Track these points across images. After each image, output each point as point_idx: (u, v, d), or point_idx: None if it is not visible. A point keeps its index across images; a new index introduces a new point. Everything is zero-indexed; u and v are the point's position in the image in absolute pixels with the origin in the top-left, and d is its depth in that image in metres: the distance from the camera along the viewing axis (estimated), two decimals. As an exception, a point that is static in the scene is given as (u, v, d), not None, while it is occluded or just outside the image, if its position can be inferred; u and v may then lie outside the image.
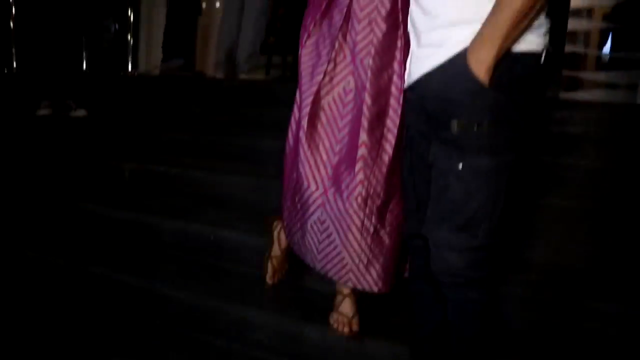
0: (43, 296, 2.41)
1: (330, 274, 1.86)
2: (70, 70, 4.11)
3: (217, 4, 5.08)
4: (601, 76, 4.50)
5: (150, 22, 5.47)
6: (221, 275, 2.32)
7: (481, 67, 1.29)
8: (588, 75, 4.53)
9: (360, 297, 1.92)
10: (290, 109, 2.00)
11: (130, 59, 5.23)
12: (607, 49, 4.58)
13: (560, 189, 2.38)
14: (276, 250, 2.19)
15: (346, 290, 1.90)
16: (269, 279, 2.20)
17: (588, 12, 4.55)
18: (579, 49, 4.53)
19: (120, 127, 3.56)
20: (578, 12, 4.34)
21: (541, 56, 1.36)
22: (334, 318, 1.87)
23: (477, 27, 1.30)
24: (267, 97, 3.42)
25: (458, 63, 1.33)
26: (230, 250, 2.42)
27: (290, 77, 4.32)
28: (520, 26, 1.28)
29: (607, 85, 4.39)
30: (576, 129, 2.73)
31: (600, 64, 4.63)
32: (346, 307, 1.88)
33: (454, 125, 1.35)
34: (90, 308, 2.31)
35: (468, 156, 1.36)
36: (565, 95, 4.05)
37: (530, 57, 1.34)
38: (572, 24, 4.20)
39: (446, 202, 1.40)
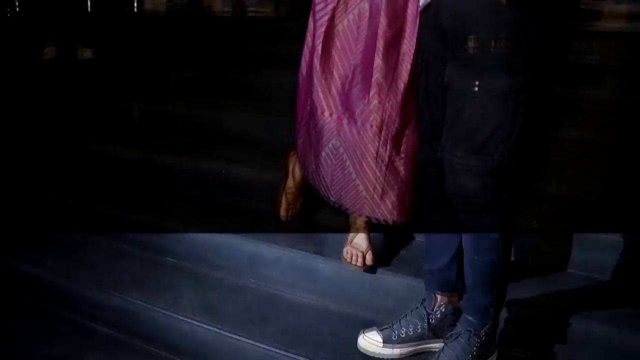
0: (55, 236, 2.42)
1: (345, 204, 1.82)
2: (74, 11, 4.00)
3: None
4: (621, 7, 4.30)
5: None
6: (233, 212, 2.30)
7: None
8: (608, 6, 4.34)
9: (373, 231, 1.89)
10: (300, 45, 1.92)
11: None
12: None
13: (575, 121, 2.31)
14: (290, 185, 2.16)
15: (360, 224, 1.87)
16: (282, 214, 2.18)
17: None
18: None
19: (128, 67, 3.49)
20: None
21: None
22: (347, 251, 1.85)
23: None
24: (276, 33, 3.31)
25: None
26: (241, 187, 2.40)
27: (299, 14, 4.19)
28: None
29: (627, 16, 4.20)
30: (593, 59, 2.63)
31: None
32: (360, 240, 1.86)
33: (470, 42, 1.30)
34: (101, 247, 2.32)
35: (484, 77, 1.31)
36: (583, 26, 3.89)
37: None
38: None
39: (462, 125, 1.36)
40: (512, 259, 1.84)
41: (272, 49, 3.13)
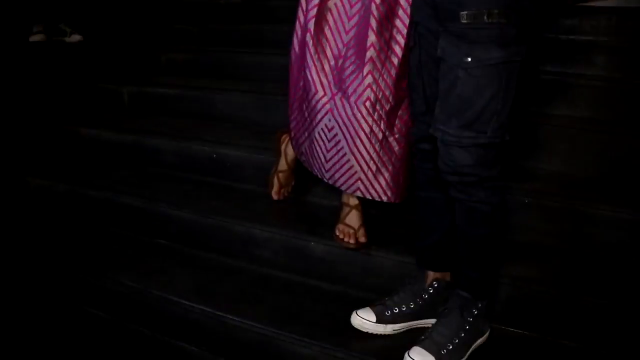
0: (45, 221, 2.39)
1: (338, 183, 1.81)
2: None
3: None
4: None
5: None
6: (224, 193, 2.29)
7: None
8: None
9: (366, 209, 1.88)
10: (291, 26, 1.89)
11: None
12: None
13: (567, 98, 2.30)
14: (283, 165, 2.14)
15: (353, 202, 1.86)
16: (274, 194, 2.16)
17: None
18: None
19: (117, 50, 3.44)
20: None
21: None
22: (339, 229, 1.84)
23: None
24: (266, 14, 3.28)
25: None
26: (233, 168, 2.38)
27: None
28: None
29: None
30: (585, 37, 2.61)
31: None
32: (352, 219, 1.84)
33: (463, 15, 1.29)
34: (91, 231, 2.30)
35: (477, 48, 1.30)
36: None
37: None
38: None
39: (455, 98, 1.35)
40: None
41: (263, 28, 3.09)
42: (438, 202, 1.57)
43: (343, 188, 1.82)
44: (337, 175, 1.80)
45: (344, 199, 1.88)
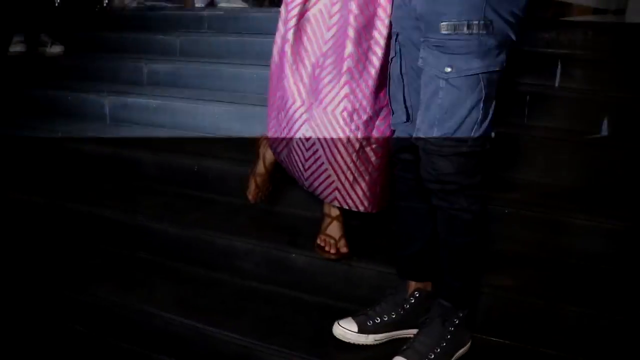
0: (24, 235, 2.36)
1: (317, 191, 1.82)
2: (42, 5, 3.90)
3: None
4: (589, 1, 4.36)
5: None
6: (206, 206, 2.28)
7: None
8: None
9: (348, 220, 1.89)
10: (273, 37, 1.91)
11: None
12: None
13: (545, 110, 2.34)
14: (260, 168, 2.14)
15: (334, 213, 1.87)
16: (250, 197, 2.13)
17: None
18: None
19: (98, 62, 3.43)
20: None
21: None
22: (321, 239, 1.84)
23: None
24: (249, 25, 3.30)
25: None
26: (214, 180, 2.37)
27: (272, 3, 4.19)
28: None
29: (595, 10, 4.27)
30: (563, 50, 2.66)
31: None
32: (333, 229, 1.85)
33: (444, 26, 1.32)
34: (71, 245, 2.28)
35: (457, 59, 1.33)
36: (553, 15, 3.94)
37: None
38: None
39: (436, 108, 1.37)
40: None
41: (245, 40, 3.11)
42: (419, 212, 1.58)
43: (321, 197, 1.83)
44: (315, 184, 1.81)
45: (326, 209, 1.89)
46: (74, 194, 2.45)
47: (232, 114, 2.62)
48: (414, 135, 1.44)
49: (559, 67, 2.49)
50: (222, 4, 3.97)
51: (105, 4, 4.55)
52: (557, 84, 2.45)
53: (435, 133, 1.38)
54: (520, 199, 1.96)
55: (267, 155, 2.08)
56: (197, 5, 4.23)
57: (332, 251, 1.81)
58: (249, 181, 2.14)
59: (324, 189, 1.80)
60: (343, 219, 1.88)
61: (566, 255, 1.86)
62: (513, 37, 1.36)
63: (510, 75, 2.42)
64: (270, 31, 2.02)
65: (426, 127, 1.40)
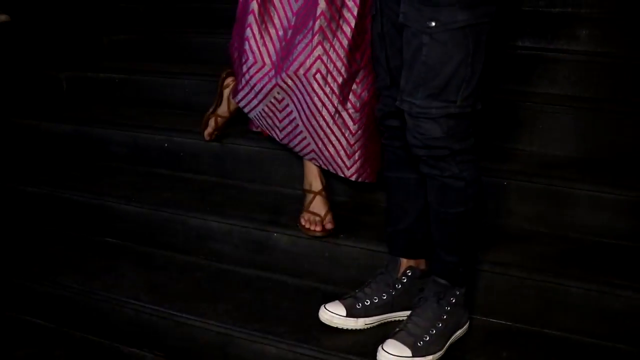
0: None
1: (296, 149, 1.88)
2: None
3: None
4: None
5: None
6: (178, 185, 2.29)
7: None
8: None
9: (331, 196, 1.92)
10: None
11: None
12: None
13: (547, 76, 2.36)
14: (224, 111, 2.19)
15: (316, 188, 1.89)
16: (207, 135, 2.22)
17: None
18: None
19: (52, 31, 3.39)
20: None
21: None
22: (305, 218, 1.87)
23: None
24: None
25: None
26: (186, 158, 2.38)
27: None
28: None
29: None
30: (565, 10, 2.69)
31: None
32: (317, 205, 1.87)
33: None
34: (30, 231, 2.28)
35: (441, 11, 1.32)
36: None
37: None
38: None
39: (420, 66, 1.37)
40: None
41: (214, 5, 3.09)
42: (409, 183, 1.60)
43: (300, 154, 1.89)
44: (292, 144, 1.89)
45: (306, 185, 1.92)
46: (31, 175, 2.44)
47: (204, 86, 2.61)
48: (398, 100, 1.45)
49: (563, 27, 2.52)
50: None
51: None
52: (560, 47, 2.48)
53: (420, 94, 1.38)
54: (520, 169, 1.99)
55: (232, 101, 2.11)
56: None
57: (318, 229, 1.84)
58: (208, 119, 2.20)
59: (302, 149, 1.85)
60: (327, 193, 1.90)
61: (570, 229, 1.90)
62: None
63: (508, 36, 2.46)
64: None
65: (410, 88, 1.40)
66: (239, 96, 1.94)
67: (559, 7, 2.69)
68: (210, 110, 2.23)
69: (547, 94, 2.32)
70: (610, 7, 2.62)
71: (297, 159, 2.05)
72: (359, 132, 1.81)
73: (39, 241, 2.21)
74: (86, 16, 3.44)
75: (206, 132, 2.22)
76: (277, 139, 1.95)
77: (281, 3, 1.80)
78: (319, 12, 1.71)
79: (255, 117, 1.96)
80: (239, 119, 2.19)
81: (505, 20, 1.42)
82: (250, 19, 1.82)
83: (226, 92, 2.17)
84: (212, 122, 2.21)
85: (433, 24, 1.33)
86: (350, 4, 1.72)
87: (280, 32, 1.81)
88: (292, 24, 1.78)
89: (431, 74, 1.36)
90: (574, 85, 2.34)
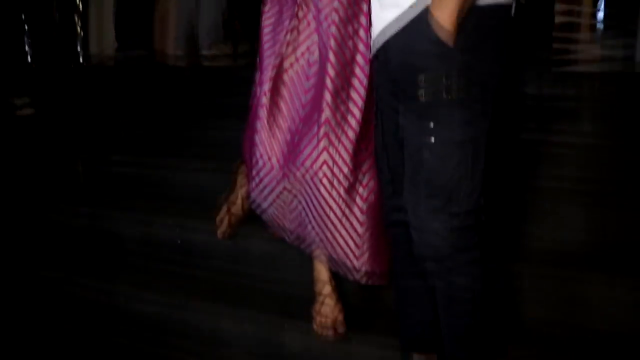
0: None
1: (306, 250, 1.89)
2: (13, 64, 4.00)
3: None
4: (595, 46, 4.49)
5: (101, 4, 5.30)
6: (191, 284, 2.28)
7: (444, 26, 1.27)
8: (581, 45, 4.53)
9: (343, 299, 1.90)
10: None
11: (80, 48, 5.08)
12: (600, 13, 4.58)
13: (554, 165, 2.38)
14: (238, 209, 2.20)
15: (326, 291, 1.88)
16: (220, 234, 2.23)
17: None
18: (570, 16, 4.52)
19: (73, 125, 3.49)
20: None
21: (511, 8, 1.34)
22: (317, 322, 1.85)
23: None
24: (235, 85, 3.36)
25: (420, 23, 1.31)
26: (199, 254, 2.38)
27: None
28: None
29: (603, 51, 4.39)
30: (570, 103, 2.74)
31: (595, 30, 4.63)
32: (327, 309, 1.86)
33: (421, 91, 1.33)
34: (37, 327, 2.26)
35: (439, 127, 1.34)
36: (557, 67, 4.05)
37: (498, 9, 1.32)
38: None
39: (422, 182, 1.39)
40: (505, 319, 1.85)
41: (231, 101, 3.16)
42: (419, 292, 1.59)
43: (311, 255, 1.89)
44: (303, 245, 1.89)
45: (317, 288, 1.91)
46: (43, 267, 2.44)
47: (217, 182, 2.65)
48: (402, 212, 1.46)
49: (567, 121, 2.56)
50: (205, 51, 4.05)
51: (81, 61, 4.66)
52: (565, 139, 2.51)
53: (424, 208, 1.40)
54: (534, 269, 1.96)
55: (245, 194, 2.12)
56: (176, 53, 4.31)
57: (329, 333, 1.82)
58: (222, 217, 2.20)
59: (312, 251, 1.87)
60: (337, 295, 1.89)
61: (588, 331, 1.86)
62: (500, 94, 1.38)
63: (502, 132, 2.49)
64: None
65: (414, 202, 1.42)
66: (251, 198, 1.97)
67: (562, 101, 2.74)
68: (225, 208, 2.24)
69: (555, 187, 2.33)
70: (609, 102, 2.67)
71: (309, 260, 2.04)
72: (367, 234, 1.82)
73: (46, 340, 2.19)
74: (105, 109, 3.55)
75: (220, 231, 2.23)
76: (288, 240, 1.95)
77: (288, 110, 1.85)
78: (323, 118, 1.75)
79: (266, 219, 1.97)
80: (252, 216, 2.19)
81: (505, 135, 1.43)
82: (259, 125, 1.87)
83: (241, 191, 2.19)
84: (225, 221, 2.23)
85: (432, 139, 1.35)
86: (354, 110, 1.76)
87: (288, 137, 1.85)
88: (299, 129, 1.82)
89: (434, 189, 1.38)
90: (580, 173, 2.34)
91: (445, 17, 1.26)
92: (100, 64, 4.54)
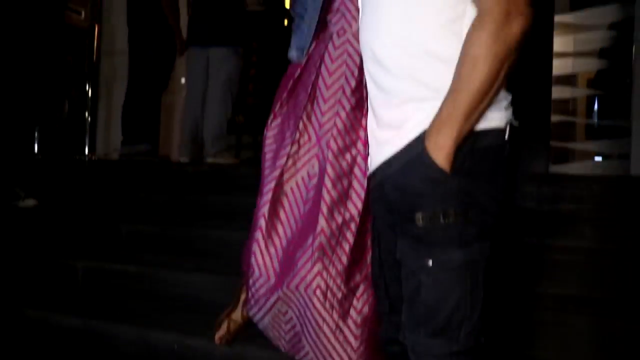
0: None
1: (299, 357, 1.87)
2: (19, 154, 4.07)
3: (182, 80, 5.02)
4: (591, 146, 4.60)
5: (110, 99, 5.48)
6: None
7: (441, 153, 1.28)
8: (578, 145, 4.63)
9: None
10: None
11: (87, 140, 5.20)
12: (595, 116, 4.71)
13: (554, 276, 2.36)
14: (237, 316, 2.17)
15: None
16: (217, 339, 2.17)
17: (572, 79, 4.69)
18: (566, 117, 4.65)
19: (74, 218, 3.50)
20: (561, 79, 4.48)
21: (505, 132, 1.36)
22: None
23: (437, 104, 1.29)
24: (237, 183, 3.41)
25: (416, 148, 1.32)
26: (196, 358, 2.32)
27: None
28: (481, 106, 1.28)
29: (598, 155, 4.48)
30: (568, 207, 2.76)
31: (590, 133, 4.75)
32: None
33: (418, 218, 1.33)
34: None
35: (437, 252, 1.33)
36: (555, 168, 4.12)
37: (493, 134, 1.34)
38: (557, 92, 4.33)
39: (420, 305, 1.37)
40: None
41: (233, 200, 3.20)
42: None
43: None
44: (298, 356, 1.87)
45: None
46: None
47: (217, 284, 2.63)
48: (399, 333, 1.43)
49: (566, 225, 2.56)
50: (210, 159, 4.11)
51: (86, 154, 4.74)
52: (565, 244, 2.51)
53: (422, 332, 1.37)
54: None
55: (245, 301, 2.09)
56: (180, 159, 4.40)
57: None
58: (222, 322, 2.18)
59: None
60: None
61: None
62: (498, 216, 1.38)
63: (500, 253, 2.49)
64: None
65: (412, 326, 1.39)
66: (248, 307, 1.97)
67: (561, 203, 2.76)
68: (225, 312, 2.22)
69: (557, 297, 2.30)
70: (609, 205, 2.69)
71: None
72: (361, 348, 1.79)
73: None
74: (107, 205, 3.57)
75: (217, 336, 2.19)
76: (283, 350, 1.93)
77: (287, 218, 1.87)
78: (319, 229, 1.76)
79: (262, 328, 1.96)
80: (251, 322, 2.16)
81: (503, 253, 1.43)
82: (258, 234, 1.88)
83: (243, 296, 2.17)
84: (224, 326, 2.19)
85: (430, 263, 1.34)
86: (350, 223, 1.78)
87: (285, 246, 1.86)
88: (296, 239, 1.83)
89: (431, 313, 1.36)
90: (581, 286, 2.33)
91: (442, 144, 1.27)
92: (106, 157, 4.62)
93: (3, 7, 3.97)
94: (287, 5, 5.30)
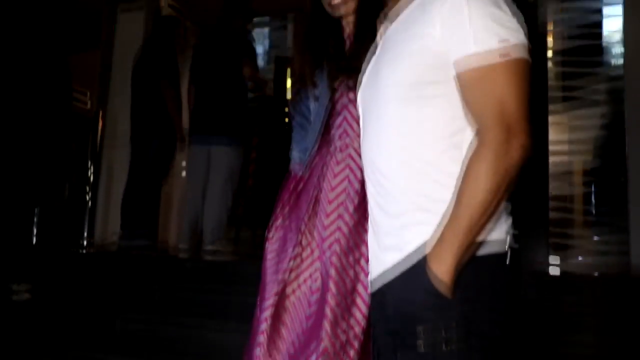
0: None
1: None
2: (16, 246, 4.05)
3: (183, 173, 5.06)
4: (590, 241, 4.59)
5: (110, 186, 5.49)
6: None
7: (442, 278, 1.27)
8: (576, 240, 4.62)
9: None
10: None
11: (86, 226, 5.18)
12: (592, 211, 4.72)
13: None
14: None
15: None
16: None
17: (568, 174, 4.75)
18: (563, 213, 4.67)
19: (68, 312, 3.44)
20: (557, 176, 4.53)
21: (506, 257, 1.35)
22: None
23: (437, 220, 1.29)
24: (235, 280, 3.37)
25: (418, 273, 1.31)
26: None
27: (261, 256, 4.27)
28: (481, 229, 1.28)
29: (597, 250, 4.47)
30: (570, 309, 2.72)
31: (588, 228, 4.75)
32: None
33: (420, 344, 1.30)
34: None
35: None
36: (554, 263, 4.09)
37: (494, 259, 1.33)
38: (553, 188, 4.36)
39: None
40: None
41: (231, 299, 3.14)
42: None
43: None
44: None
45: None
46: None
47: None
48: None
49: (566, 328, 2.52)
50: (209, 257, 4.09)
51: (84, 246, 4.71)
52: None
53: None
54: None
55: None
56: (179, 246, 4.37)
57: None
58: None
59: None
60: None
61: None
62: (501, 340, 1.34)
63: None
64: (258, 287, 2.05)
65: None
66: None
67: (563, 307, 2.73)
68: None
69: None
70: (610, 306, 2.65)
71: None
72: None
73: None
74: (102, 299, 3.52)
75: None
76: None
77: (289, 334, 1.83)
78: (321, 349, 1.72)
79: None
80: None
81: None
82: (259, 351, 1.83)
83: None
84: None
85: None
86: (354, 341, 1.74)
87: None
88: (298, 356, 1.79)
89: None
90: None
91: (443, 270, 1.27)
92: (103, 249, 4.59)
93: (14, 94, 4.07)
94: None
